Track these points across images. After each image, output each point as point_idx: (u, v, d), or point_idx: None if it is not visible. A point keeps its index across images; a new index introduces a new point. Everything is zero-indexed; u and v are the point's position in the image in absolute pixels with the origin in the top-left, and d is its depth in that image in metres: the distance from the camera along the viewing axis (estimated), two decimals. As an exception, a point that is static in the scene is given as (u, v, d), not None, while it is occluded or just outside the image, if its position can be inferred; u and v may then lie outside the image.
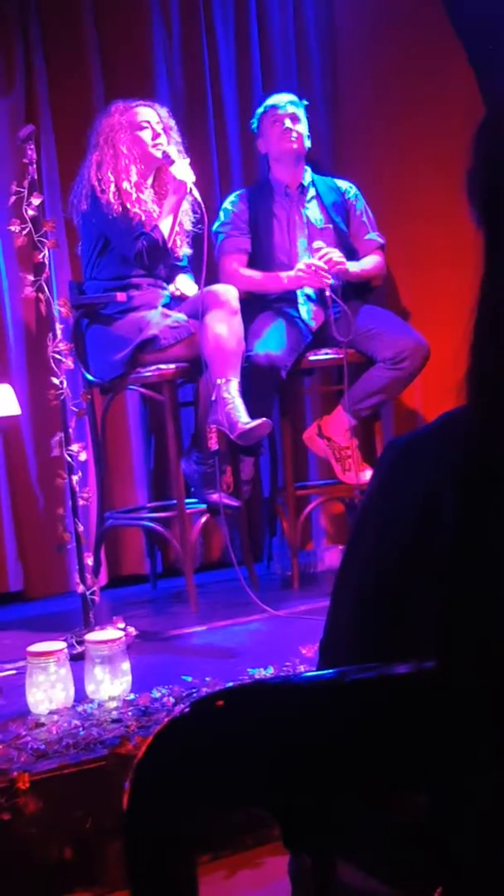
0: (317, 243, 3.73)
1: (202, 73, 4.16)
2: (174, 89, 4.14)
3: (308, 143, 3.85)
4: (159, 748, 0.62)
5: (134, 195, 3.51)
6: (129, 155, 3.54)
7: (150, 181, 3.63)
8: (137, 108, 3.61)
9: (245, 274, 3.81)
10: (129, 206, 3.49)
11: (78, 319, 3.57)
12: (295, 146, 3.80)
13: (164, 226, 3.53)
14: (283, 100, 3.84)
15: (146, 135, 3.58)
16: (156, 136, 3.59)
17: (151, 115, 3.62)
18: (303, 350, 3.72)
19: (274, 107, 3.83)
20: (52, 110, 3.94)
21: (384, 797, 0.69)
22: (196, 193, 3.51)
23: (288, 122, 3.79)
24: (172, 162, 3.53)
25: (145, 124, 3.59)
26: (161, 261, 3.59)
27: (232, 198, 3.92)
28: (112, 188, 3.49)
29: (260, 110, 3.88)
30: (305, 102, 3.89)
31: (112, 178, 3.50)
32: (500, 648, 0.70)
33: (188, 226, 3.65)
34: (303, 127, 3.83)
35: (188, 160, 3.54)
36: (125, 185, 3.51)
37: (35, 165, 3.07)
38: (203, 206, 3.53)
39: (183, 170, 3.51)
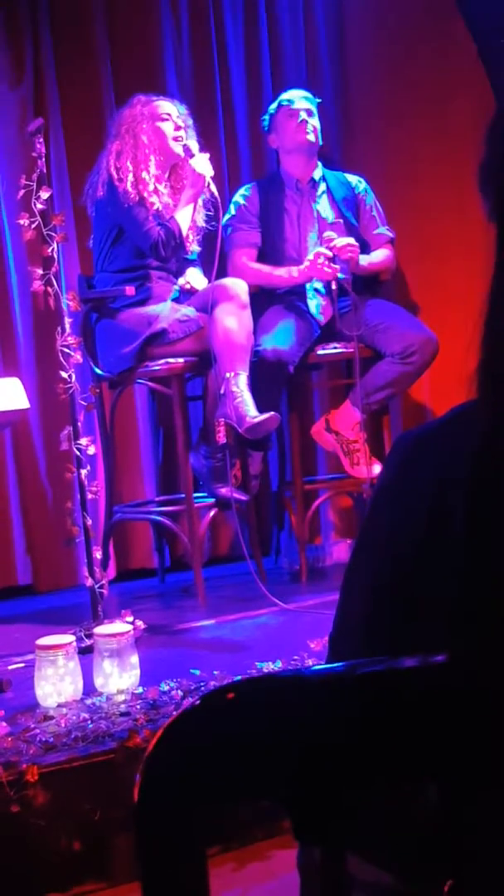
0: (328, 233, 3.73)
1: (211, 67, 4.16)
2: (183, 84, 4.13)
3: (321, 140, 3.85)
4: (169, 741, 0.62)
5: (151, 186, 3.52)
6: (150, 145, 3.55)
7: (167, 174, 3.64)
8: (159, 101, 3.63)
9: (254, 268, 3.81)
10: (146, 196, 3.49)
11: (87, 313, 3.57)
12: (311, 138, 3.80)
13: (181, 218, 3.53)
14: (297, 95, 3.85)
15: (168, 126, 3.59)
16: (177, 128, 3.60)
17: (172, 109, 3.63)
18: (311, 344, 3.72)
19: (289, 102, 3.84)
20: (62, 104, 3.94)
21: (394, 790, 0.70)
22: (213, 188, 3.53)
23: (303, 115, 3.79)
24: (192, 155, 3.55)
25: (166, 116, 3.60)
26: (175, 253, 3.59)
27: (242, 191, 3.92)
28: (130, 177, 3.49)
29: (273, 106, 3.88)
30: (319, 100, 3.89)
31: (131, 168, 3.50)
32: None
33: (201, 222, 3.65)
34: (316, 122, 3.83)
35: (208, 155, 3.56)
36: (144, 175, 3.51)
37: (44, 159, 3.07)
38: (219, 200, 3.55)
39: (203, 164, 3.54)
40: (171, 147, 3.58)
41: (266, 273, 3.79)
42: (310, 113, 3.81)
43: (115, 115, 3.65)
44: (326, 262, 3.64)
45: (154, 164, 3.54)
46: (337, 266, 3.64)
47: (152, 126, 3.57)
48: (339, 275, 3.64)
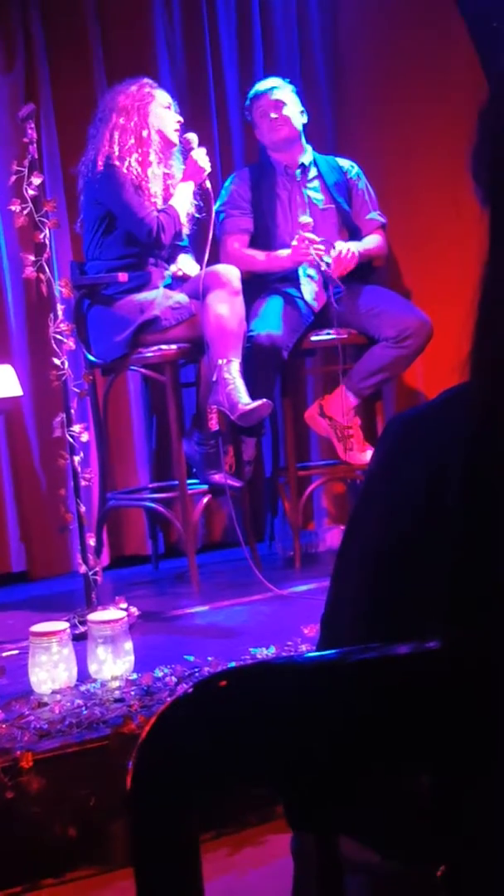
0: (303, 218, 3.71)
1: (203, 52, 4.14)
2: (175, 68, 4.12)
3: (303, 120, 3.82)
4: (163, 728, 0.62)
5: (154, 170, 3.50)
6: (155, 128, 3.52)
7: (164, 162, 3.62)
8: (161, 90, 3.61)
9: (247, 254, 3.80)
10: (145, 180, 3.47)
11: (79, 300, 3.56)
12: (284, 133, 3.78)
13: (179, 206, 3.52)
14: (264, 87, 3.81)
15: (171, 115, 3.58)
16: (178, 121, 3.59)
17: (172, 101, 3.61)
18: (304, 330, 3.71)
19: (256, 97, 3.82)
20: (53, 90, 3.92)
21: (388, 775, 0.70)
22: (208, 183, 3.55)
23: (273, 114, 3.77)
24: (192, 148, 3.56)
25: (169, 105, 3.58)
26: (173, 241, 3.58)
27: (234, 177, 3.91)
28: (135, 157, 3.45)
29: (247, 102, 3.86)
30: (287, 81, 3.84)
31: (135, 146, 3.47)
32: None
33: (191, 210, 3.64)
34: (291, 109, 3.78)
35: (205, 149, 3.57)
36: (152, 156, 3.49)
37: (35, 145, 3.05)
38: (211, 192, 3.55)
39: (203, 158, 3.54)
40: (170, 136, 3.57)
41: (259, 259, 3.79)
42: (279, 105, 3.77)
43: (117, 90, 3.57)
44: (310, 245, 3.62)
45: (157, 147, 3.53)
46: (322, 247, 3.63)
47: (158, 110, 3.55)
48: (326, 258, 3.63)
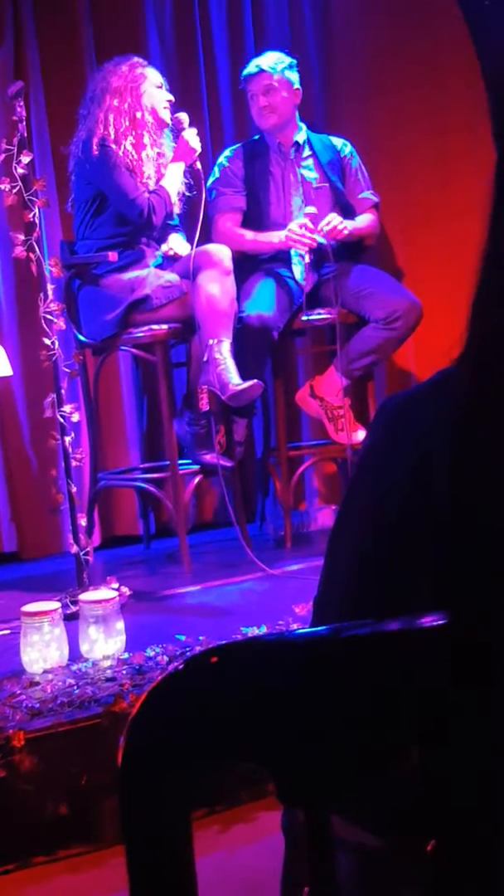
0: (308, 209, 3.70)
1: (194, 29, 4.11)
2: (165, 46, 4.09)
3: (296, 101, 3.79)
4: (153, 705, 0.62)
5: (148, 151, 3.48)
6: (149, 109, 3.50)
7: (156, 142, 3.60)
8: (152, 68, 3.58)
9: (238, 233, 3.79)
10: (139, 162, 3.46)
11: (69, 279, 3.55)
12: (272, 121, 3.75)
13: (170, 187, 3.51)
14: (255, 68, 3.76)
15: (162, 94, 3.56)
16: (169, 99, 3.57)
17: (162, 80, 3.59)
18: (295, 311, 3.71)
19: (247, 79, 3.78)
20: (42, 67, 3.89)
21: (379, 752, 0.70)
22: (199, 164, 3.53)
23: (262, 100, 3.73)
24: (183, 128, 3.54)
25: (160, 84, 3.56)
26: (163, 221, 3.57)
27: (227, 153, 3.89)
28: (130, 139, 3.44)
29: (241, 80, 3.83)
30: (283, 63, 3.77)
31: (129, 128, 3.45)
32: (495, 608, 0.71)
33: (182, 189, 3.62)
34: (281, 93, 3.74)
35: (196, 129, 3.56)
36: (145, 138, 3.47)
37: (24, 123, 3.03)
38: (202, 172, 3.54)
39: (194, 138, 3.53)
40: (162, 116, 3.55)
41: (249, 239, 3.77)
42: (269, 90, 3.73)
43: (108, 70, 3.54)
44: (305, 234, 3.61)
45: (151, 129, 3.51)
46: (316, 237, 3.62)
47: (151, 90, 3.53)
48: (321, 239, 3.62)
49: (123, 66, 3.52)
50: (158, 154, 3.57)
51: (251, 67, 3.78)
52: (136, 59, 3.56)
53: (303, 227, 3.62)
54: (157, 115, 3.54)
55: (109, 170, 3.44)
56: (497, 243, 0.76)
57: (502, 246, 0.75)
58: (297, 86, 3.79)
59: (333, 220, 3.66)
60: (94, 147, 3.44)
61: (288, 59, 3.79)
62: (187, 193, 3.62)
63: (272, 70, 3.74)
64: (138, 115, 3.48)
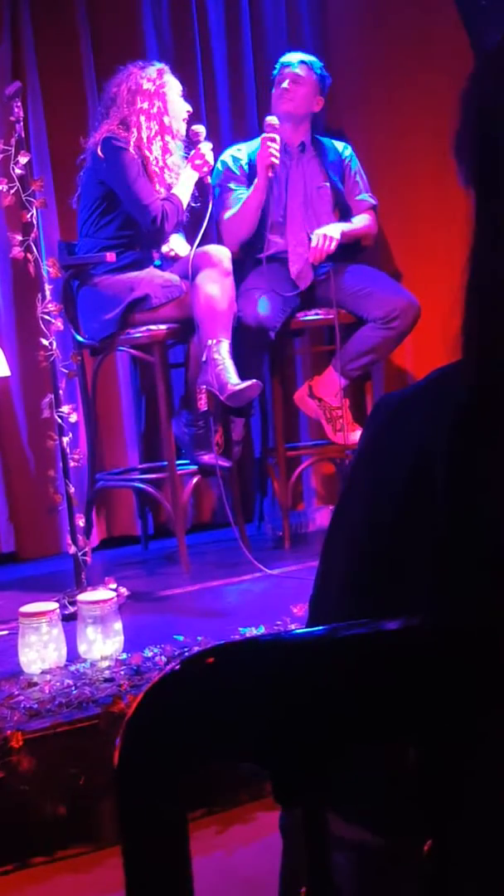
0: (270, 119, 3.68)
1: (191, 30, 4.11)
2: (163, 46, 4.09)
3: (314, 108, 3.81)
4: (150, 705, 0.62)
5: (172, 160, 3.49)
6: (176, 116, 3.51)
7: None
8: (174, 77, 3.57)
9: (232, 213, 3.76)
10: (162, 166, 3.46)
11: (67, 280, 3.55)
12: (287, 107, 3.76)
13: (182, 195, 3.51)
14: (293, 59, 3.79)
15: (184, 105, 3.56)
16: (188, 110, 3.57)
17: (181, 89, 3.59)
18: (292, 311, 3.71)
19: (283, 65, 3.80)
20: (39, 67, 3.89)
21: (376, 751, 0.70)
22: (210, 178, 3.59)
23: (287, 84, 3.75)
24: (200, 140, 3.56)
25: (182, 93, 3.57)
26: (174, 229, 3.57)
27: (233, 151, 3.87)
28: (158, 143, 3.44)
29: (275, 70, 3.84)
30: (319, 64, 3.81)
31: (158, 132, 3.45)
32: (491, 608, 0.71)
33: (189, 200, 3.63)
34: (305, 89, 3.76)
35: (211, 144, 3.59)
36: (171, 144, 3.48)
37: (22, 123, 3.03)
38: (210, 187, 3.60)
39: (210, 152, 3.56)
40: (180, 126, 3.55)
41: (240, 209, 3.74)
42: (297, 80, 3.75)
43: (134, 73, 3.51)
44: (270, 146, 3.63)
45: (178, 135, 3.52)
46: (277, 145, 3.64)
47: (175, 98, 3.53)
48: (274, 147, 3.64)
49: (151, 70, 3.52)
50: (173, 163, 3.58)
51: (289, 58, 3.80)
52: (161, 65, 3.57)
53: (266, 142, 3.64)
54: (179, 126, 3.54)
55: (125, 171, 3.43)
56: (485, 240, 0.76)
57: (491, 243, 0.75)
58: (322, 95, 3.82)
59: (319, 241, 3.66)
60: (114, 146, 3.43)
61: (324, 71, 3.83)
62: (193, 205, 3.62)
63: (312, 67, 3.78)
64: (166, 120, 3.48)
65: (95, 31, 3.98)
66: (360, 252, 3.93)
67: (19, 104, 3.04)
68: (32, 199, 2.99)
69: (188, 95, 3.89)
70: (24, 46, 3.86)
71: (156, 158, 3.45)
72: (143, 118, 3.45)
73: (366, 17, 4.20)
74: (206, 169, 3.57)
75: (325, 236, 3.67)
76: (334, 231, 3.71)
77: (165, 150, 3.48)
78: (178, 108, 3.54)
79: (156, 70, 3.52)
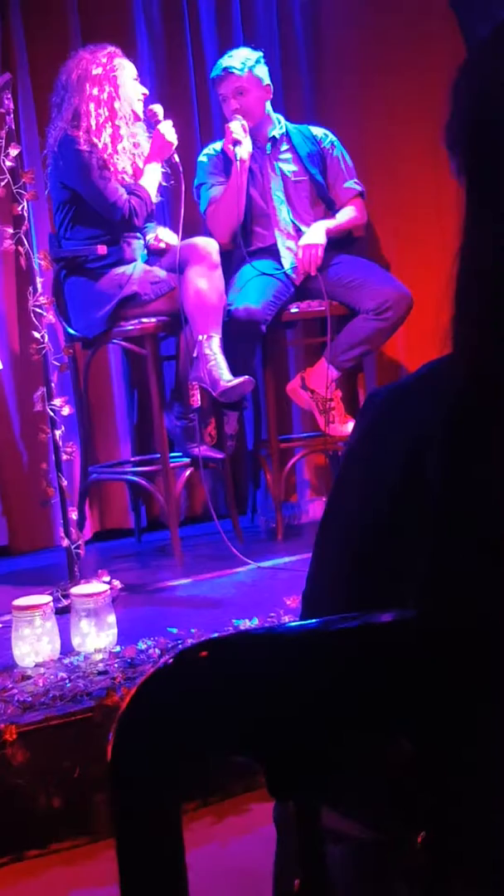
0: (154, 107, 3.58)
1: (181, 17, 4.10)
2: (154, 37, 4.07)
3: (267, 97, 3.74)
4: (143, 699, 0.62)
5: (122, 145, 3.44)
6: (127, 100, 3.46)
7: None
8: (127, 60, 3.52)
9: (216, 206, 3.74)
10: (117, 159, 3.42)
11: (58, 273, 3.53)
12: (248, 123, 3.69)
13: (149, 187, 3.48)
14: (223, 68, 3.70)
15: (139, 87, 3.52)
16: (144, 92, 3.53)
17: (135, 72, 3.55)
18: (284, 303, 3.70)
19: (214, 82, 3.75)
20: (30, 59, 3.87)
21: (368, 744, 0.70)
22: (177, 157, 3.51)
23: (233, 103, 3.69)
24: (158, 121, 3.50)
25: (136, 77, 3.53)
26: (146, 221, 3.55)
27: (208, 150, 3.85)
28: (108, 132, 3.39)
29: (211, 79, 3.79)
30: (251, 59, 3.71)
31: (108, 119, 3.40)
32: (485, 603, 0.71)
33: (160, 182, 3.60)
34: (251, 93, 3.69)
35: (171, 122, 3.51)
36: (122, 129, 3.43)
37: (12, 115, 3.01)
38: (181, 166, 3.51)
39: (170, 131, 3.49)
40: (136, 108, 3.52)
41: (221, 198, 3.71)
42: (238, 91, 3.68)
43: (83, 57, 3.47)
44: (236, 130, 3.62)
45: (129, 119, 3.48)
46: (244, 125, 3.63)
47: (128, 81, 3.49)
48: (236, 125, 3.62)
49: (101, 54, 3.46)
50: (135, 145, 3.54)
51: (217, 70, 3.73)
52: (112, 48, 3.50)
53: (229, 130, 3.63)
54: (133, 108, 3.51)
55: (87, 174, 3.39)
56: (476, 230, 0.76)
57: (483, 231, 0.75)
58: (266, 81, 3.74)
59: (305, 255, 3.65)
60: (69, 148, 3.39)
61: (255, 55, 3.73)
62: (164, 183, 3.60)
63: (240, 70, 3.69)
64: (116, 105, 3.43)
65: (85, 23, 3.97)
66: (352, 243, 3.93)
67: (9, 96, 3.02)
68: (23, 192, 2.98)
69: (178, 85, 3.89)
70: (14, 38, 3.84)
71: (104, 145, 3.41)
72: (92, 105, 3.40)
73: (357, 7, 4.19)
74: (171, 149, 3.49)
75: (309, 248, 3.66)
76: (318, 237, 3.69)
77: (116, 136, 3.43)
78: (131, 91, 3.49)
79: (106, 54, 3.46)
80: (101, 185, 3.41)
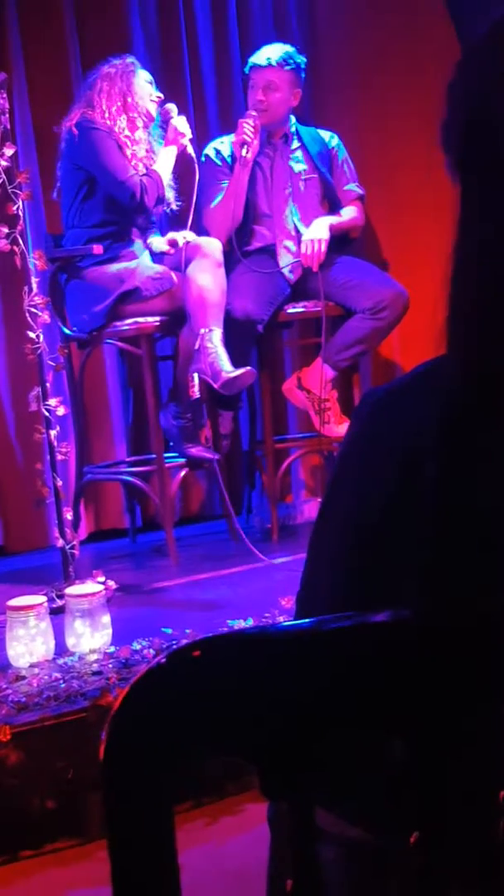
0: (168, 106, 3.65)
1: (177, 18, 4.10)
2: (149, 38, 4.07)
3: (293, 103, 3.76)
4: (136, 699, 0.62)
5: (139, 134, 3.50)
6: (141, 96, 3.52)
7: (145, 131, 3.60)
8: (143, 69, 3.61)
9: (217, 203, 3.75)
10: (129, 143, 3.47)
11: (55, 273, 3.53)
12: (265, 118, 3.71)
13: (162, 171, 3.51)
14: (264, 59, 3.71)
15: (152, 89, 3.58)
16: (158, 96, 3.60)
17: (151, 79, 3.62)
18: (281, 303, 3.70)
19: (252, 68, 3.75)
20: (25, 59, 3.87)
21: (362, 745, 0.70)
22: (191, 149, 3.56)
23: (260, 94, 3.70)
24: (172, 117, 3.57)
25: (151, 82, 3.59)
26: (157, 205, 3.56)
27: (215, 143, 3.85)
28: (123, 120, 3.45)
29: (246, 68, 3.81)
30: (292, 62, 3.72)
31: (121, 108, 3.46)
32: (482, 603, 0.71)
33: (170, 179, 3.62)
34: (281, 93, 3.70)
35: (184, 117, 3.59)
36: (137, 121, 3.49)
37: (7, 115, 3.01)
38: (194, 159, 3.57)
39: (183, 123, 3.56)
40: (150, 109, 3.56)
41: (223, 197, 3.73)
42: (269, 86, 3.69)
43: (101, 67, 3.55)
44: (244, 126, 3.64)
45: (143, 114, 3.51)
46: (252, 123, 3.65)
47: (141, 82, 3.55)
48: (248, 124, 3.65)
49: (117, 60, 3.55)
50: (148, 150, 3.57)
51: (260, 57, 3.73)
52: (130, 58, 3.59)
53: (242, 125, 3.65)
54: (147, 107, 3.54)
55: (98, 149, 3.44)
56: (472, 232, 0.76)
57: (477, 230, 0.75)
58: (298, 88, 3.76)
59: (308, 248, 3.65)
60: (86, 126, 3.44)
61: (298, 59, 3.75)
62: (171, 184, 3.62)
63: (279, 66, 3.71)
64: (129, 99, 3.49)
65: (81, 23, 3.96)
66: (348, 244, 3.93)
67: (4, 95, 3.02)
68: (18, 192, 2.98)
69: (174, 85, 3.90)
70: (10, 37, 3.83)
71: (121, 128, 3.46)
72: (104, 98, 3.48)
73: (353, 7, 4.19)
74: (183, 140, 3.56)
75: (312, 242, 3.67)
76: (321, 231, 3.69)
77: (132, 125, 3.48)
78: (143, 90, 3.55)
79: (121, 60, 3.56)
80: (114, 163, 3.44)
